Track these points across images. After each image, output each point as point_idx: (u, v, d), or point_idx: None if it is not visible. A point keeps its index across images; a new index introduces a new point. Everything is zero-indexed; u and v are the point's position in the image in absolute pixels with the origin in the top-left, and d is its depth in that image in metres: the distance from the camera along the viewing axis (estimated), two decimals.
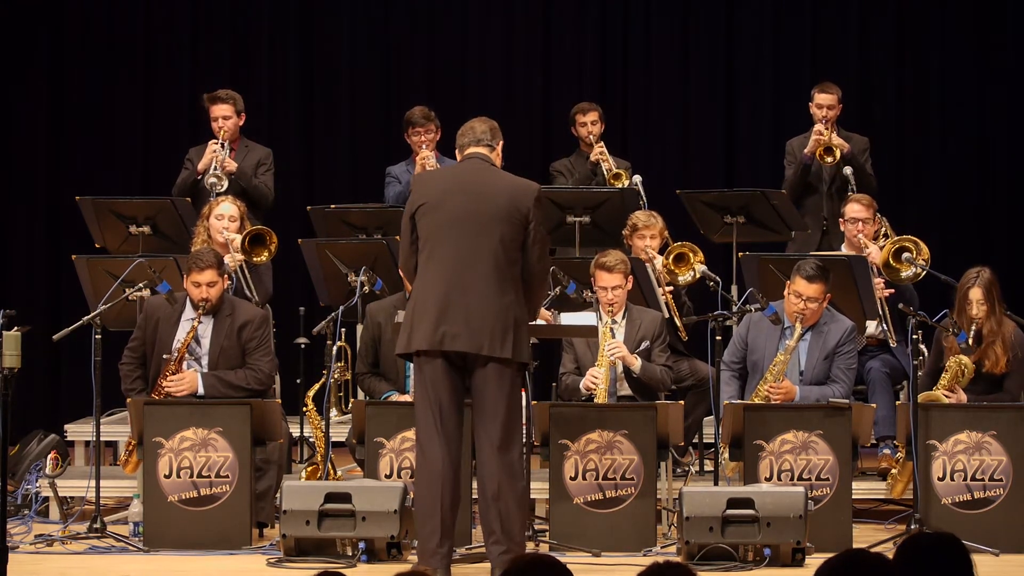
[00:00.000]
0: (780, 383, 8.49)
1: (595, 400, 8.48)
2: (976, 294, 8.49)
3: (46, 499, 8.81)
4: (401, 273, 7.65)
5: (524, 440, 8.22)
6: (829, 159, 10.21)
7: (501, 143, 7.43)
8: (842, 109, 10.37)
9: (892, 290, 9.18)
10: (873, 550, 4.32)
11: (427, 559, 7.13)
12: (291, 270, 10.59)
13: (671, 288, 9.26)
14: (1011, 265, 11.31)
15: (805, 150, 10.29)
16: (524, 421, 8.00)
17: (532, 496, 8.15)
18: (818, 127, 10.26)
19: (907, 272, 9.13)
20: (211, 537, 8.06)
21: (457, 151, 7.43)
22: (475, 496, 7.76)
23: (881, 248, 9.24)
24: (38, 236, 12.16)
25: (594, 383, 8.51)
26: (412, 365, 7.37)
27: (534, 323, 7.59)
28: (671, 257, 9.27)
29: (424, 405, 7.18)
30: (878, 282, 9.13)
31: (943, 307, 8.73)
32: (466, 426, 7.32)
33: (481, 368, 7.13)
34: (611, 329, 8.58)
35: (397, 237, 9.50)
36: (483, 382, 7.14)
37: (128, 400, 8.36)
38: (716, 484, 8.27)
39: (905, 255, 9.11)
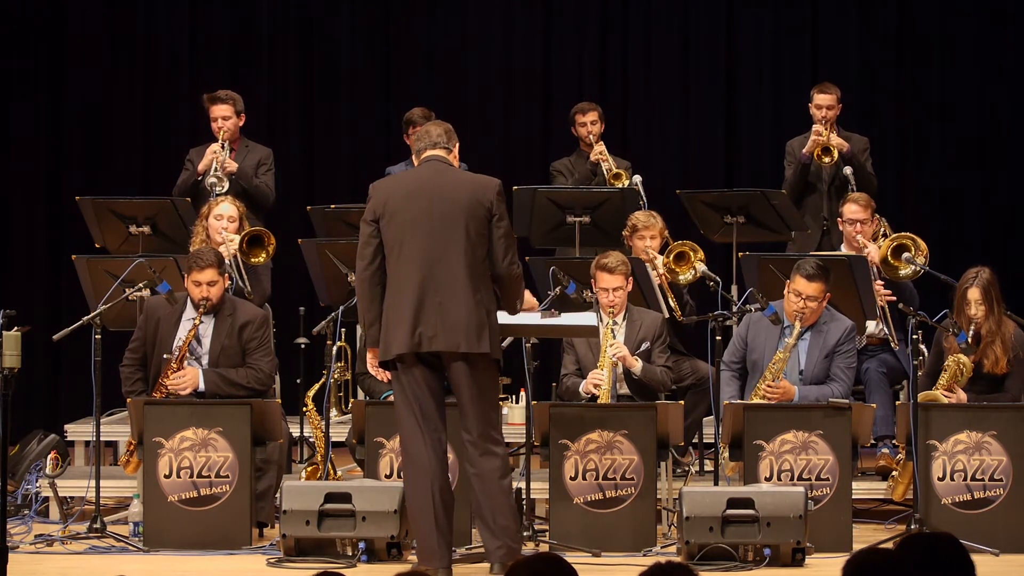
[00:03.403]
0: (778, 382, 8.49)
1: (598, 401, 8.46)
2: (974, 294, 8.48)
3: (46, 499, 8.81)
4: (355, 281, 7.49)
5: (525, 440, 8.26)
6: (827, 159, 10.21)
7: (457, 145, 7.47)
8: (842, 109, 10.38)
9: (893, 297, 9.17)
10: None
11: (427, 559, 7.16)
12: (291, 270, 10.59)
13: (670, 282, 9.25)
14: (1011, 265, 11.30)
15: (803, 150, 10.30)
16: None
17: (532, 496, 8.16)
18: (817, 127, 10.27)
19: (906, 270, 9.14)
20: (211, 537, 8.06)
21: (414, 156, 7.47)
22: None
23: (880, 247, 9.24)
24: (38, 236, 12.16)
25: (597, 384, 8.50)
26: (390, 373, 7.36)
27: (535, 323, 7.61)
28: (672, 256, 9.26)
29: (405, 408, 7.22)
30: (878, 286, 9.12)
31: (943, 307, 8.73)
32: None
33: (456, 365, 7.17)
34: (612, 330, 8.57)
35: None
36: (459, 380, 7.19)
37: (128, 400, 8.36)
38: (716, 484, 8.27)
39: (905, 255, 9.11)
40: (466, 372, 7.17)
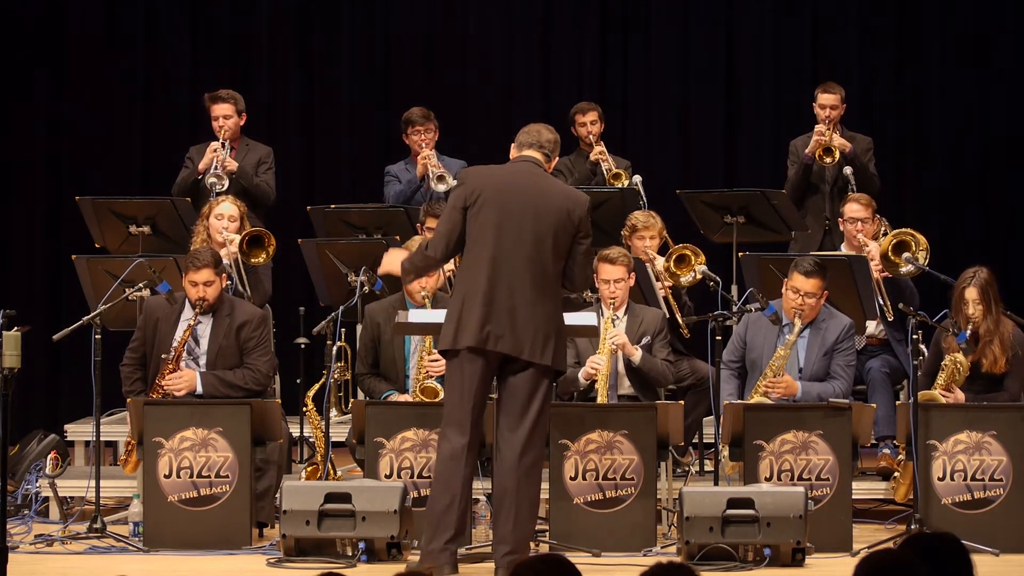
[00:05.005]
0: (780, 378, 8.48)
1: (596, 386, 8.47)
2: (972, 294, 8.47)
3: (46, 499, 8.81)
4: (425, 256, 7.39)
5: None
6: (828, 160, 10.21)
7: (556, 160, 7.46)
8: (844, 109, 10.38)
9: (887, 273, 9.17)
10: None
11: (434, 556, 7.13)
12: (291, 270, 10.59)
13: (670, 286, 9.25)
14: (1011, 265, 11.31)
15: (806, 150, 10.30)
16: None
17: None
18: (819, 127, 10.27)
19: (906, 267, 9.14)
20: (211, 537, 8.05)
21: (514, 147, 7.41)
22: (476, 497, 7.75)
23: (880, 244, 9.24)
24: (38, 236, 12.16)
25: (595, 368, 8.49)
26: (447, 361, 7.33)
27: None
28: (672, 259, 9.25)
29: (458, 401, 7.18)
30: (875, 265, 9.12)
31: (943, 307, 8.73)
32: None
33: (518, 372, 7.16)
34: (612, 322, 8.57)
35: (397, 236, 9.55)
36: (516, 385, 7.17)
37: (128, 400, 8.36)
38: (716, 484, 8.27)
39: (905, 255, 9.11)
40: (524, 379, 7.16)
